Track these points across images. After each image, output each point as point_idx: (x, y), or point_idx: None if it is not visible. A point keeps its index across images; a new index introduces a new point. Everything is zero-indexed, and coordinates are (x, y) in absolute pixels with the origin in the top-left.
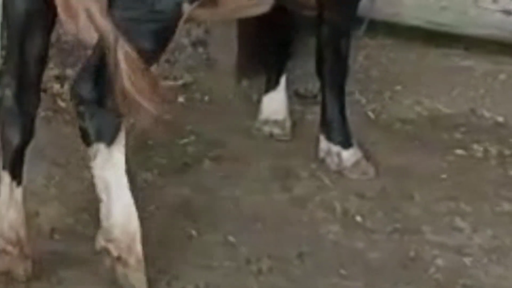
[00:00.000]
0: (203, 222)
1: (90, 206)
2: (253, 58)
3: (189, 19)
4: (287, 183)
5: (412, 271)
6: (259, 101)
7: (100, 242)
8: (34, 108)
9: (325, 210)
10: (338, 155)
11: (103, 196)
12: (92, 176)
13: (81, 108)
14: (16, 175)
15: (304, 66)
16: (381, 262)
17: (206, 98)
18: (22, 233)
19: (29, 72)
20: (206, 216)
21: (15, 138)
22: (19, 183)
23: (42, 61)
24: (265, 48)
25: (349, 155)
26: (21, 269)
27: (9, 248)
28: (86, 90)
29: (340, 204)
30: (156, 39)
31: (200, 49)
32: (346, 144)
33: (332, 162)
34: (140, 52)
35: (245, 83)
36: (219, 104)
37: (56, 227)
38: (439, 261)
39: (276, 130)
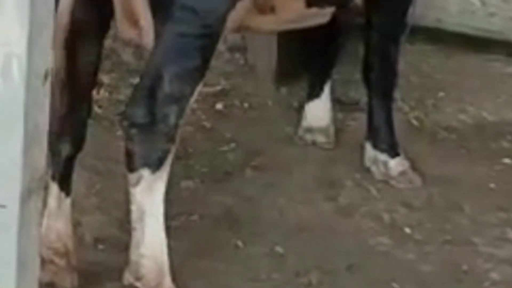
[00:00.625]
0: (248, 232)
1: None
2: (294, 64)
3: (248, 29)
4: (331, 192)
5: (467, 285)
6: (299, 108)
7: (129, 279)
8: (86, 117)
9: (372, 221)
10: (385, 163)
11: (136, 225)
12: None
13: (132, 131)
14: (65, 186)
15: (345, 72)
16: (434, 275)
17: (245, 105)
18: (70, 244)
19: (81, 81)
20: (250, 226)
21: (65, 148)
22: (67, 194)
23: (95, 72)
24: (309, 54)
25: (396, 164)
26: (67, 281)
27: (56, 259)
28: (139, 113)
29: (387, 214)
30: (202, 55)
31: (237, 55)
32: (393, 152)
33: (378, 171)
34: (186, 70)
35: (284, 89)
36: (259, 111)
37: (99, 237)
38: (494, 274)
39: (320, 138)
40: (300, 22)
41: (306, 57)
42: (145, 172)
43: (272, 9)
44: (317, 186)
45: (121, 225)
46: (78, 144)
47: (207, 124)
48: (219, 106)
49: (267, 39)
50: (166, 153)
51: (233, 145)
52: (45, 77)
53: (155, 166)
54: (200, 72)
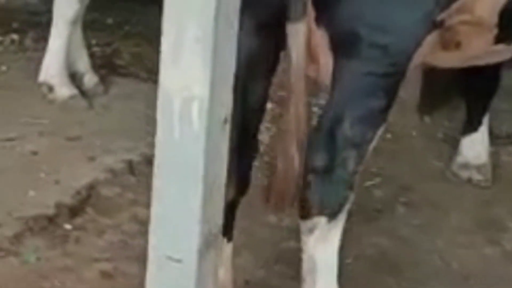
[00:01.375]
0: (409, 278)
1: (282, 257)
2: (438, 92)
3: (428, 65)
4: (494, 235)
5: None
6: (444, 139)
7: None
8: (253, 159)
9: None
10: None
11: (307, 276)
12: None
13: (309, 176)
14: (227, 232)
15: (496, 103)
16: None
17: (388, 135)
18: None
19: (250, 120)
20: (411, 271)
21: (230, 191)
22: (229, 239)
23: (262, 109)
24: (468, 84)
25: None
26: None
27: None
28: (317, 157)
29: None
30: (387, 96)
31: None
32: None
33: None
34: (370, 111)
35: (427, 118)
36: (402, 142)
37: (248, 279)
38: None
39: (476, 176)
40: (484, 58)
41: (463, 87)
42: (321, 220)
43: (458, 45)
44: (477, 227)
45: (268, 266)
46: (243, 188)
47: None
48: None
49: None
50: (344, 200)
51: (378, 179)
52: (225, 122)
53: (332, 214)
54: (383, 114)
